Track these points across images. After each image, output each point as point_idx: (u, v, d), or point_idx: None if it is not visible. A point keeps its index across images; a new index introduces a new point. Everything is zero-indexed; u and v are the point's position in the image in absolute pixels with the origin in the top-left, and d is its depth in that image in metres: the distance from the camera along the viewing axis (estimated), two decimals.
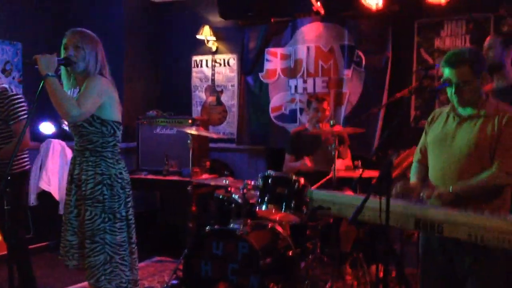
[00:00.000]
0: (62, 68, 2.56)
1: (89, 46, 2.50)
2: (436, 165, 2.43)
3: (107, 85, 2.52)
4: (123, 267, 2.53)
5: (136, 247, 2.65)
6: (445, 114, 2.46)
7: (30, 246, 4.80)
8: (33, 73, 5.64)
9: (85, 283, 3.92)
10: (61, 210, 5.21)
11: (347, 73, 4.61)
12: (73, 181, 2.54)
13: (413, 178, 2.59)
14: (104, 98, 2.48)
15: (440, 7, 4.14)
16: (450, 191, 2.23)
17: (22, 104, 3.41)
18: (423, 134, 2.61)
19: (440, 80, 2.40)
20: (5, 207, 2.30)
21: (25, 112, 3.41)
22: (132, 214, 2.61)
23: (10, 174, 3.30)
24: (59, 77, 2.48)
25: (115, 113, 2.54)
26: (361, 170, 3.50)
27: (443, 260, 2.34)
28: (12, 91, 3.42)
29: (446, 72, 2.32)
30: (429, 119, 2.58)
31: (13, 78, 5.27)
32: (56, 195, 5.18)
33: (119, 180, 2.53)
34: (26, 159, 3.55)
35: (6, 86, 3.46)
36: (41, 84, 2.38)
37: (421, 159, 2.57)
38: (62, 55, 2.53)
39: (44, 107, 2.40)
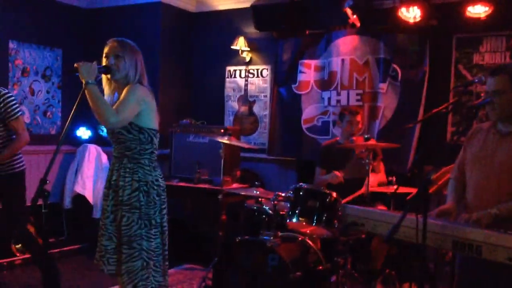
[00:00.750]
0: (102, 75, 2.62)
1: (129, 56, 2.56)
2: (475, 183, 2.37)
3: (145, 93, 2.56)
4: (155, 273, 2.55)
5: (167, 254, 2.66)
6: (485, 131, 2.41)
7: (64, 249, 4.94)
8: (73, 79, 5.79)
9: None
10: (95, 214, 5.32)
11: (382, 86, 4.55)
12: (111, 186, 2.58)
13: (449, 197, 2.53)
14: (142, 106, 2.52)
15: (479, 21, 4.05)
16: (489, 213, 2.17)
17: (16, 101, 3.51)
18: (462, 150, 2.56)
19: (479, 96, 2.37)
20: (43, 210, 2.34)
21: (19, 108, 3.53)
22: (166, 221, 2.63)
23: (13, 173, 3.48)
24: (99, 83, 2.54)
25: (152, 121, 2.59)
26: (395, 186, 3.43)
27: (480, 281, 2.27)
28: (4, 90, 3.49)
29: (487, 82, 2.30)
30: (469, 135, 2.54)
31: (53, 83, 5.44)
32: (90, 198, 5.29)
33: (155, 187, 2.56)
34: (22, 158, 3.63)
35: None
36: (81, 91, 2.44)
37: (459, 176, 2.52)
38: (103, 63, 2.59)
39: (81, 112, 2.47)
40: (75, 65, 2.44)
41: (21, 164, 3.56)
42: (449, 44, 4.37)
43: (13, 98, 3.48)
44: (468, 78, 4.25)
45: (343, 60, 4.73)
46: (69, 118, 2.51)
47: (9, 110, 3.40)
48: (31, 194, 4.77)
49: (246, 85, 5.45)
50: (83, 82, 2.42)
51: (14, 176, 3.51)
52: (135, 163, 2.54)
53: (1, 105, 3.38)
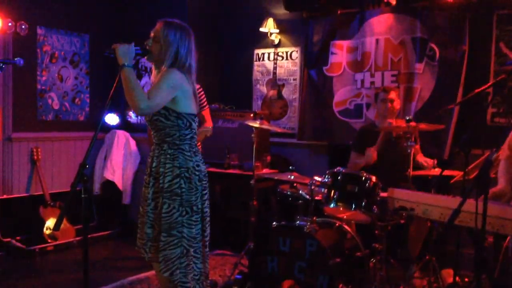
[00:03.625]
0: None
1: (168, 40, 2.46)
2: None
3: (180, 78, 2.44)
4: (195, 259, 2.49)
5: (208, 240, 2.60)
6: None
7: (94, 235, 4.95)
8: (100, 65, 5.74)
9: (147, 273, 3.97)
10: (124, 200, 5.31)
11: (419, 67, 4.37)
12: (151, 173, 2.52)
13: (501, 178, 2.44)
14: (178, 92, 2.43)
15: None
16: None
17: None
18: None
19: None
20: (82, 196, 2.28)
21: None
22: (208, 207, 2.56)
23: None
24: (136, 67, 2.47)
25: (190, 106, 2.49)
26: (437, 169, 3.30)
27: None
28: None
29: None
30: None
31: (81, 69, 5.40)
32: (119, 185, 5.28)
33: (197, 173, 2.48)
34: None
35: None
36: (118, 75, 2.38)
37: (511, 155, 2.42)
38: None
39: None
40: (112, 46, 2.37)
41: None
42: (490, 21, 4.15)
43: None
44: (510, 57, 4.06)
45: (377, 40, 4.57)
46: (107, 102, 2.45)
47: (202, 100, 3.95)
48: (69, 179, 4.74)
49: (275, 68, 5.34)
50: (119, 64, 2.35)
51: None
52: (175, 149, 2.47)
53: (199, 95, 3.79)
